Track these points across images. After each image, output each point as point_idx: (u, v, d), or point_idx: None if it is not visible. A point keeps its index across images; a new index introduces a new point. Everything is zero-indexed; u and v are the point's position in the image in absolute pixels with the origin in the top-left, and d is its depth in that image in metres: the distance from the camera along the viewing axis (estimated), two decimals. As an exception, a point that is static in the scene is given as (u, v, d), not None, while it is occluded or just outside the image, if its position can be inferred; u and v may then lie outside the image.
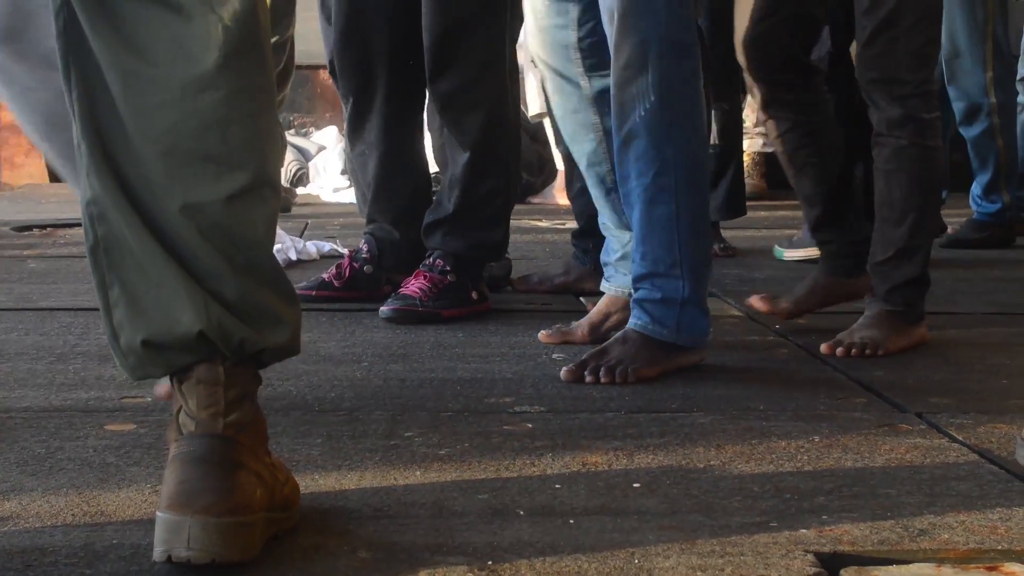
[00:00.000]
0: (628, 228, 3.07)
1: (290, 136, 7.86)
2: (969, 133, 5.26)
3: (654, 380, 2.82)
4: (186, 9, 1.69)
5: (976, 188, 5.33)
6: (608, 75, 2.97)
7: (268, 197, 1.76)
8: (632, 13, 2.84)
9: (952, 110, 5.28)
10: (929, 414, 2.57)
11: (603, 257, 3.25)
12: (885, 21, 3.12)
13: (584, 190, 3.78)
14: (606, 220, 3.23)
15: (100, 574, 1.70)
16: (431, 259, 3.59)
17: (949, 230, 5.40)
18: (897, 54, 3.13)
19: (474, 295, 3.59)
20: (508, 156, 3.63)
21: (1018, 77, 5.37)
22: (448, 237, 3.60)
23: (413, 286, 3.53)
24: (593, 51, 3.15)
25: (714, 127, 4.67)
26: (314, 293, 3.68)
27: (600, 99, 3.14)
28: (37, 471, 2.13)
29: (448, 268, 3.55)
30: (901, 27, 3.11)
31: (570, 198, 4.08)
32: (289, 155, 7.64)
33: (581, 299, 3.82)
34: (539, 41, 3.22)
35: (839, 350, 3.10)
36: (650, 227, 2.90)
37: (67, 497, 1.99)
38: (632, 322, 2.92)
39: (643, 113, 2.85)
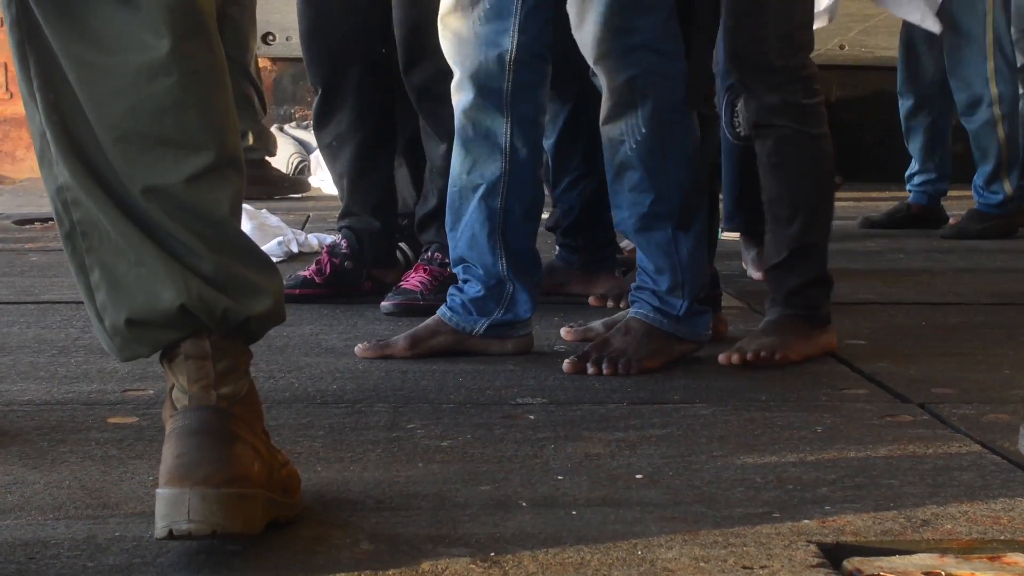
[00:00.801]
0: (499, 276, 2.94)
1: (291, 128, 7.86)
2: (971, 124, 5.25)
3: (657, 371, 2.81)
4: None
5: (978, 179, 5.32)
6: (537, 100, 2.93)
7: (230, 176, 1.77)
8: (615, 54, 2.82)
9: (954, 101, 5.28)
10: (932, 404, 2.57)
11: (454, 292, 3.02)
12: (752, 4, 2.97)
13: (572, 184, 3.75)
14: (477, 264, 2.98)
15: (103, 566, 1.70)
16: (429, 252, 3.58)
17: (951, 220, 5.40)
18: (768, 39, 2.96)
19: None
20: None
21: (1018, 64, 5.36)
22: (442, 229, 3.59)
23: (413, 280, 3.52)
24: (530, 67, 2.93)
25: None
26: (296, 292, 3.64)
27: (522, 124, 2.93)
28: (39, 464, 2.13)
29: (447, 260, 3.55)
30: (769, 12, 2.95)
31: (554, 194, 3.90)
32: (290, 147, 7.64)
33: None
34: (463, 50, 2.94)
35: (735, 357, 2.90)
36: (649, 253, 2.88)
37: (69, 490, 1.99)
38: (634, 311, 2.92)
39: (634, 145, 2.82)
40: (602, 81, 2.87)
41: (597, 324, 3.16)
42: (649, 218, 2.85)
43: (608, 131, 2.86)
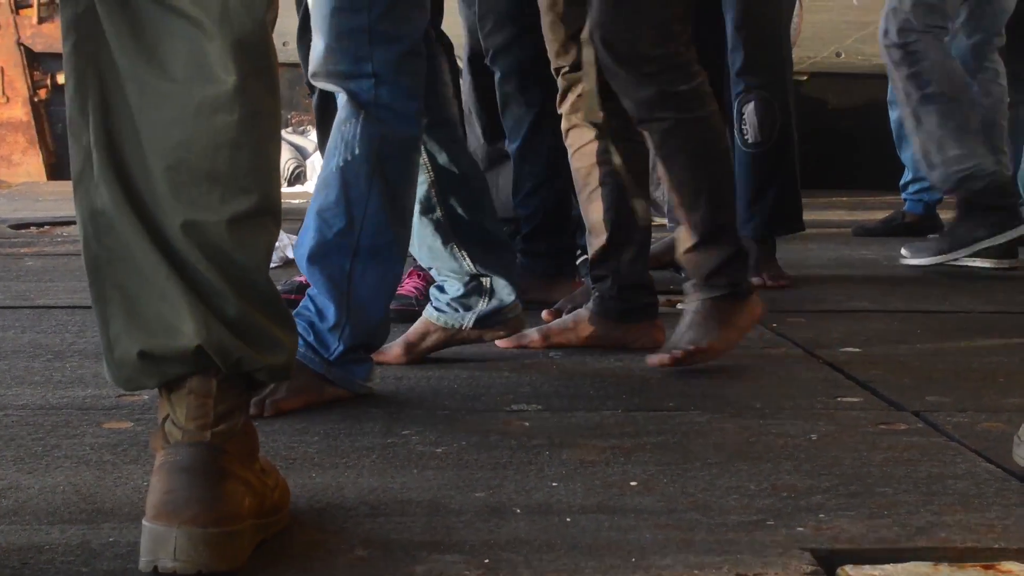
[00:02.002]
0: (471, 273, 2.90)
1: (287, 134, 7.86)
2: None
3: (297, 411, 2.51)
4: (207, 27, 1.68)
5: None
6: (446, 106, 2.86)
7: (269, 225, 1.76)
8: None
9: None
10: (926, 413, 2.57)
11: (436, 293, 2.97)
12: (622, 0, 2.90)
13: (535, 190, 3.73)
14: (447, 270, 2.91)
15: (97, 572, 1.70)
16: None
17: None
18: (640, 29, 2.90)
19: None
20: None
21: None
22: None
23: (408, 285, 3.52)
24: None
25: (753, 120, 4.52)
26: (292, 297, 3.62)
27: (433, 131, 2.80)
28: (34, 469, 2.13)
29: None
30: (642, 2, 2.89)
31: (515, 200, 3.85)
32: (287, 153, 7.64)
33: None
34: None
35: (665, 358, 2.88)
36: (318, 285, 2.61)
37: (64, 495, 1.99)
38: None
39: (342, 163, 2.59)
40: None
41: (533, 331, 3.16)
42: (328, 247, 2.59)
43: (331, 138, 2.66)
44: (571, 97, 3.13)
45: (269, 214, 1.75)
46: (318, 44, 2.60)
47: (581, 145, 3.14)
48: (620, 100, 2.98)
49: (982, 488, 2.09)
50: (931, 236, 4.88)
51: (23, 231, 5.36)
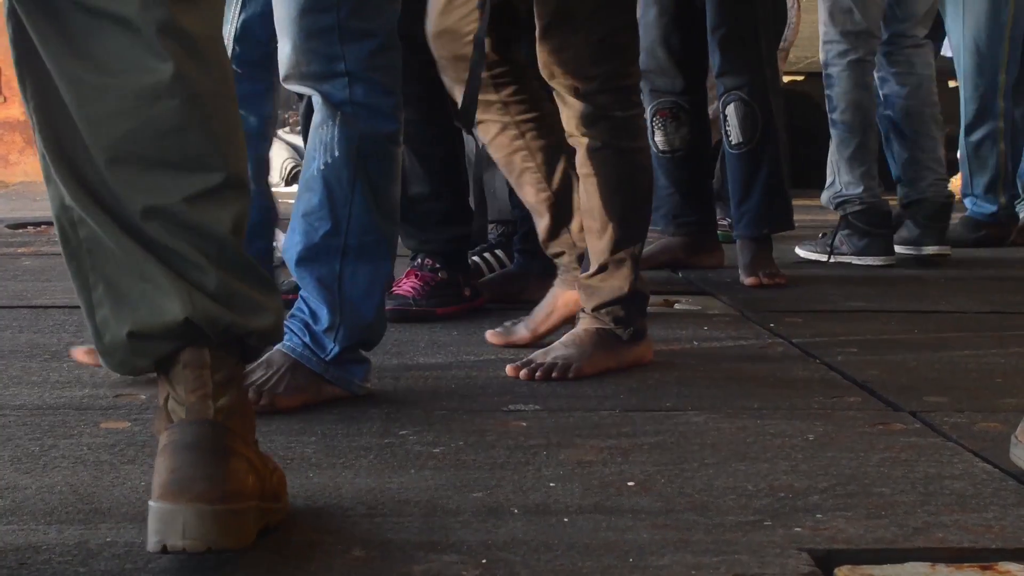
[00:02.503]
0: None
1: (284, 134, 7.86)
2: (974, 136, 5.25)
3: (296, 410, 2.52)
4: (132, 22, 1.70)
5: (975, 188, 5.33)
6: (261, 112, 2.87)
7: (232, 196, 1.77)
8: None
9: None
10: (923, 413, 2.57)
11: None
12: (560, 12, 2.85)
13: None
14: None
15: (94, 572, 1.70)
16: (420, 259, 3.58)
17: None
18: (577, 45, 2.85)
19: (467, 292, 3.59)
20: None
21: None
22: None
23: (406, 285, 3.53)
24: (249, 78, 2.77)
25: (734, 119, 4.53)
26: (291, 297, 3.60)
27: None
28: (31, 469, 2.13)
29: (438, 265, 3.55)
30: (579, 17, 2.83)
31: (512, 203, 3.84)
32: (284, 152, 7.64)
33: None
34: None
35: (523, 372, 2.81)
36: (308, 288, 2.61)
37: (61, 495, 1.99)
38: (283, 342, 2.58)
39: (322, 166, 2.56)
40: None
41: (520, 326, 3.16)
42: (316, 250, 2.58)
43: (309, 140, 2.62)
44: None
45: (230, 188, 1.76)
46: (285, 47, 2.57)
47: (492, 138, 3.09)
48: (518, 87, 2.97)
49: (979, 488, 2.09)
50: (822, 235, 4.95)
51: (20, 231, 5.36)
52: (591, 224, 2.93)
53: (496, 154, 3.12)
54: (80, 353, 2.79)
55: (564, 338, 2.93)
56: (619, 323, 2.92)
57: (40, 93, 1.74)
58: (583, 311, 2.96)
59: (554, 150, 3.07)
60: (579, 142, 2.91)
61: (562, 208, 3.08)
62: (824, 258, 4.81)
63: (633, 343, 2.94)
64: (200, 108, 1.73)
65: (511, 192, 3.81)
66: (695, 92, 4.55)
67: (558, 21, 2.86)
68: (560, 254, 3.13)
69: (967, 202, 5.41)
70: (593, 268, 2.93)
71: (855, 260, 4.75)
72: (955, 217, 5.38)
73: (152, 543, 1.66)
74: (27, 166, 7.69)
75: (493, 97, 3.04)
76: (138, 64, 1.70)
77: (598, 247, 2.92)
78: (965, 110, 5.30)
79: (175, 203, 1.72)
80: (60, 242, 1.78)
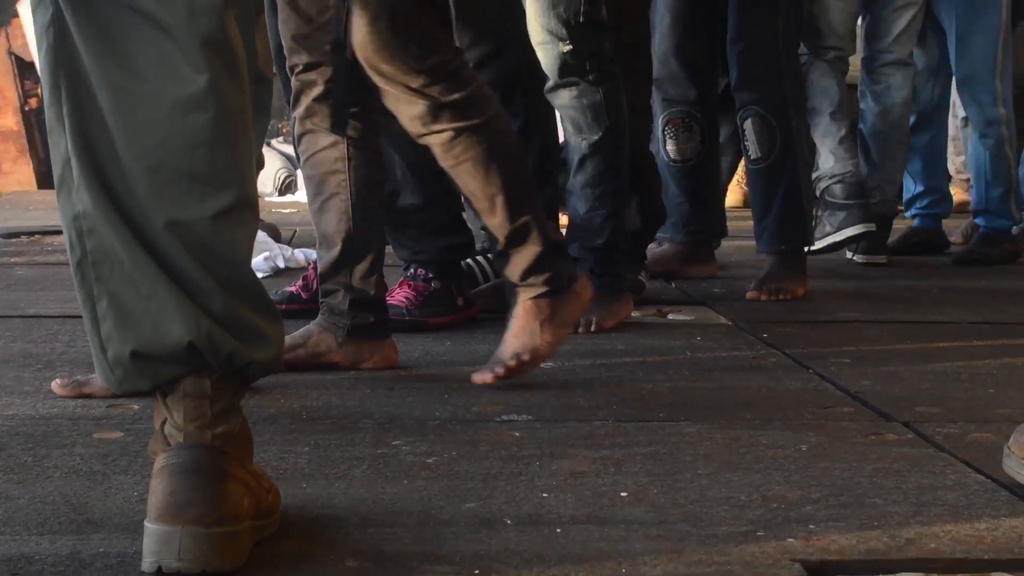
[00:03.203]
0: None
1: (278, 144, 7.86)
2: (985, 146, 5.21)
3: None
4: (174, 30, 1.70)
5: (990, 203, 5.22)
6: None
7: (248, 218, 1.78)
8: None
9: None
10: (916, 423, 2.58)
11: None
12: (377, 9, 2.81)
13: None
14: None
15: (87, 582, 1.70)
16: (413, 269, 3.58)
17: (953, 240, 5.43)
18: (402, 45, 2.82)
19: (460, 301, 3.59)
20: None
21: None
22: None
23: (399, 296, 3.52)
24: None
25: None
26: (283, 307, 3.60)
27: None
28: (24, 479, 2.12)
29: (431, 275, 3.55)
30: (399, 16, 2.81)
31: None
32: (277, 162, 7.64)
33: None
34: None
35: (491, 377, 2.84)
36: None
37: (54, 505, 1.99)
38: None
39: None
40: None
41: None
42: None
43: None
44: (305, 100, 2.97)
45: (248, 207, 1.77)
46: None
47: (315, 151, 2.99)
48: (368, 111, 2.93)
49: (972, 499, 2.09)
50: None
51: (13, 240, 5.35)
52: (479, 207, 2.89)
53: (311, 169, 3.01)
54: (57, 386, 2.72)
55: (511, 327, 2.90)
56: (549, 282, 2.90)
57: (75, 98, 1.73)
58: (515, 285, 2.91)
59: (371, 189, 3.00)
60: (432, 140, 2.86)
61: (354, 247, 3.00)
62: (822, 244, 4.76)
63: (566, 295, 2.91)
64: (229, 124, 1.73)
65: None
66: (707, 102, 4.54)
67: (376, 22, 2.81)
68: (334, 292, 3.02)
69: (979, 220, 5.32)
70: (501, 243, 2.89)
71: (838, 237, 4.72)
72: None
73: (148, 563, 1.67)
74: (20, 175, 7.68)
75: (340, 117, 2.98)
76: (175, 73, 1.70)
77: (496, 223, 2.88)
78: (974, 121, 5.25)
79: (198, 219, 1.72)
80: (67, 251, 1.77)
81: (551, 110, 3.72)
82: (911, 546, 1.87)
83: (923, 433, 2.50)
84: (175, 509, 1.67)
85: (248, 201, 1.77)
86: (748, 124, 4.23)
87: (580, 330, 3.37)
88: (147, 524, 1.68)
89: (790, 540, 1.88)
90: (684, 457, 2.32)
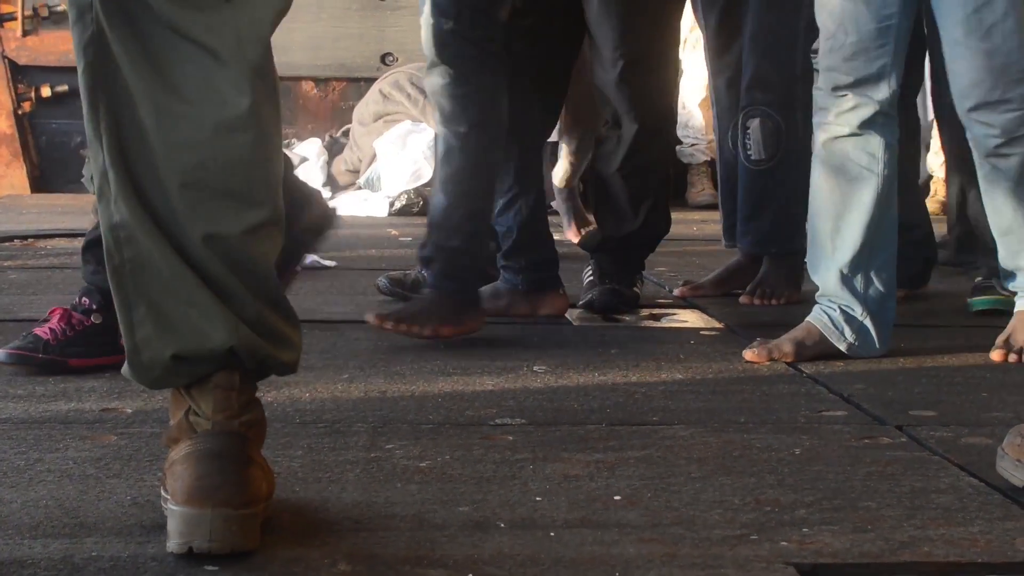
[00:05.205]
0: None
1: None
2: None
3: None
4: (220, 54, 1.78)
5: None
6: None
7: (275, 233, 1.87)
8: None
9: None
10: (910, 427, 2.58)
11: None
12: None
13: (508, 205, 3.66)
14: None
15: (79, 586, 1.69)
16: (77, 297, 3.22)
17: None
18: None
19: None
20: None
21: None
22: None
23: (46, 326, 3.31)
24: None
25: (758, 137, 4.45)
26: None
27: None
28: (17, 482, 2.12)
29: (94, 307, 3.31)
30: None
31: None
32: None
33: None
34: None
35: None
36: None
37: (47, 509, 1.99)
38: None
39: None
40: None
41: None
42: None
43: None
44: None
45: (276, 224, 1.87)
46: None
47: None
48: None
49: (965, 502, 2.10)
50: None
51: (6, 244, 5.34)
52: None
53: None
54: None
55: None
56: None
57: (114, 114, 1.79)
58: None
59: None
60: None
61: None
62: None
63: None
64: (266, 145, 1.82)
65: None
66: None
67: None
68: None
69: None
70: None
71: None
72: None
73: (175, 544, 1.74)
74: (14, 179, 7.66)
75: None
76: (219, 97, 1.78)
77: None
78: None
79: (234, 235, 1.80)
80: (105, 259, 1.83)
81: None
82: (904, 549, 1.87)
83: (916, 436, 2.50)
84: (204, 492, 1.74)
85: (277, 218, 1.86)
86: (755, 124, 4.14)
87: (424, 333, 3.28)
88: (173, 507, 1.75)
89: (783, 543, 1.88)
90: (677, 461, 2.32)
